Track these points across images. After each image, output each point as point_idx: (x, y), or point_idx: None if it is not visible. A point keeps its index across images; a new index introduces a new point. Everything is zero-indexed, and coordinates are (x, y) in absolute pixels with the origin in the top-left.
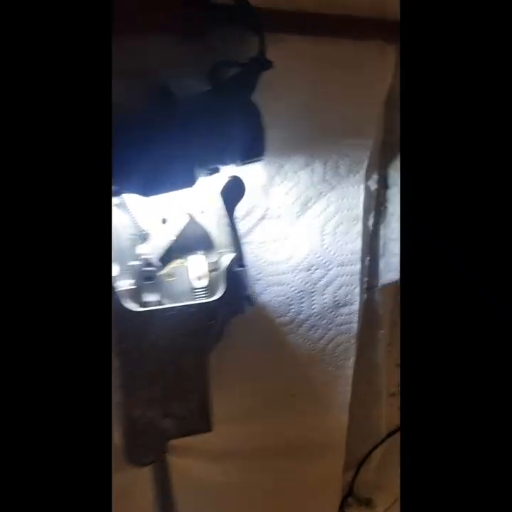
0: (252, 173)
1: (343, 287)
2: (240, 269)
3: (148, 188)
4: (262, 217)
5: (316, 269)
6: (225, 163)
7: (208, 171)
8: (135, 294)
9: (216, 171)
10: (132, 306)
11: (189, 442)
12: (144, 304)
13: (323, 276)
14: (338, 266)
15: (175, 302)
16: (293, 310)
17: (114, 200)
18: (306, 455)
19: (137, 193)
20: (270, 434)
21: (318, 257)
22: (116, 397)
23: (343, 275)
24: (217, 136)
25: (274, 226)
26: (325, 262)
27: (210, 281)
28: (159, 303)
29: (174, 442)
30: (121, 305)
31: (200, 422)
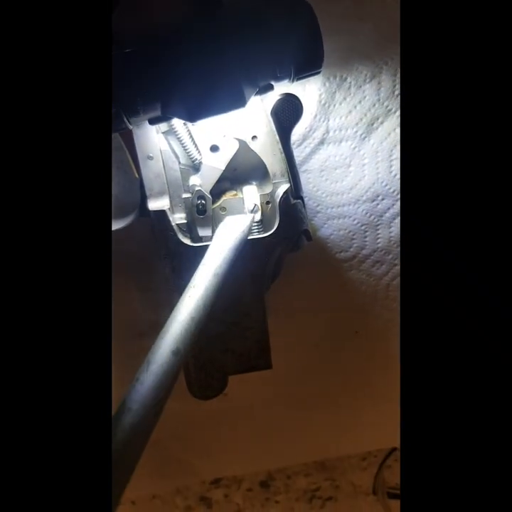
0: (309, 90)
1: None
2: (297, 201)
3: (195, 111)
4: (321, 142)
5: (382, 199)
6: (277, 78)
7: (260, 89)
8: (188, 229)
9: (269, 88)
10: (187, 240)
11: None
12: (198, 239)
13: (389, 207)
14: None
15: None
16: (355, 245)
17: (162, 127)
18: (367, 394)
19: (185, 118)
20: (331, 372)
21: (385, 186)
22: None
23: None
24: (267, 46)
25: (334, 151)
26: (392, 191)
27: (264, 214)
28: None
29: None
30: (176, 239)
31: (260, 359)
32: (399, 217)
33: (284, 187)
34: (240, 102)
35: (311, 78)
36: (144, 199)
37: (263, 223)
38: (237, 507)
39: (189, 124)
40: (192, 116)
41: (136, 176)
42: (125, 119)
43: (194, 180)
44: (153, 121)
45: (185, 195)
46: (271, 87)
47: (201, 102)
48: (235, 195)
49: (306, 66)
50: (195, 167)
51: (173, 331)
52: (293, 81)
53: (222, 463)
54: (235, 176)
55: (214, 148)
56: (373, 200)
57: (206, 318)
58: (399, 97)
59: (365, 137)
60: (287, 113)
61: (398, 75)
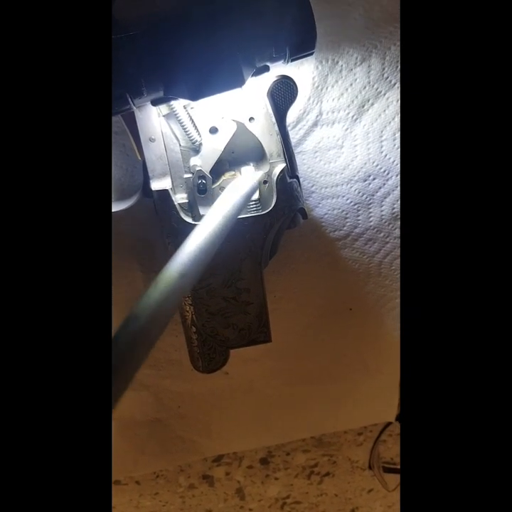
0: (303, 73)
1: None
2: (292, 180)
3: (197, 90)
4: (315, 124)
5: (374, 179)
6: (273, 59)
7: (257, 70)
8: (190, 208)
9: (265, 69)
10: (189, 219)
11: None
12: (199, 217)
13: (381, 187)
14: (397, 175)
15: None
16: (349, 223)
17: (163, 110)
18: (361, 369)
19: (187, 97)
20: (327, 348)
21: (376, 166)
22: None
23: None
24: (263, 27)
25: (328, 133)
26: (383, 171)
27: (262, 193)
28: None
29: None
30: (179, 218)
31: (260, 333)
32: (390, 196)
33: (280, 166)
34: (238, 80)
35: (304, 61)
36: (146, 181)
37: (261, 202)
38: (238, 484)
39: (189, 107)
40: (194, 95)
41: (139, 158)
42: (130, 101)
43: (194, 161)
44: (155, 102)
45: (186, 176)
46: (267, 68)
47: (202, 82)
48: (234, 175)
49: (300, 46)
50: (196, 148)
51: (181, 258)
52: (288, 62)
53: (224, 440)
54: (233, 158)
55: (213, 130)
56: (365, 180)
57: (213, 252)
58: (388, 79)
59: (357, 119)
60: (283, 95)
61: (387, 58)
